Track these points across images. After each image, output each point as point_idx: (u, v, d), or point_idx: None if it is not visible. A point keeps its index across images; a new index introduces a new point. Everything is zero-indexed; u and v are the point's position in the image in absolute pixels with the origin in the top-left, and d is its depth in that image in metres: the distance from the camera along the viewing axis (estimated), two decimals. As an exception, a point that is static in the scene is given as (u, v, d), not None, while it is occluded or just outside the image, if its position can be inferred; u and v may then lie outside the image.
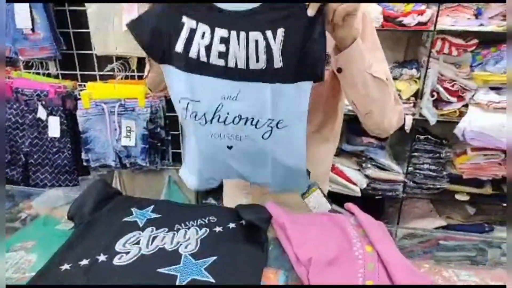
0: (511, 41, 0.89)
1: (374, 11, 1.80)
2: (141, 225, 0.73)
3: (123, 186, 2.21)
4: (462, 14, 1.79)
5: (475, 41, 1.85)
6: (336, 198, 2.08)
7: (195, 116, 0.77)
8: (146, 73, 0.96)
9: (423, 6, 1.81)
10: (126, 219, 0.75)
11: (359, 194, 2.03)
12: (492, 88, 1.91)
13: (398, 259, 0.66)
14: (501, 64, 1.84)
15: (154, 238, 0.69)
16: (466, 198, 2.10)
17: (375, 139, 2.06)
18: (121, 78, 1.97)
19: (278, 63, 0.70)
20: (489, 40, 1.89)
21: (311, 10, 0.68)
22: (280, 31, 0.69)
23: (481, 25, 1.78)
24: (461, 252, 0.84)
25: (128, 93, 1.88)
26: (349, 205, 0.84)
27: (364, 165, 2.05)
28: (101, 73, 1.99)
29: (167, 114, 1.98)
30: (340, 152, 2.10)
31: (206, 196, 2.24)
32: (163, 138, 2.01)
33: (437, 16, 1.75)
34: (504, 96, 1.88)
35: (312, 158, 0.86)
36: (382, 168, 2.06)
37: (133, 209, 0.78)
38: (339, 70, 0.80)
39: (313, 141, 0.94)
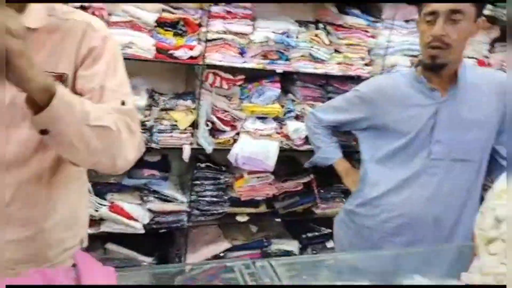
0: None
1: (146, 43, 1.75)
2: None
3: None
4: (228, 51, 1.93)
5: (242, 76, 2.03)
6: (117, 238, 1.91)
7: None
8: None
9: (194, 42, 1.87)
10: None
11: (143, 231, 1.92)
12: (258, 118, 2.13)
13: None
14: (263, 97, 2.06)
15: None
16: (246, 218, 2.27)
17: (157, 171, 2.00)
18: None
19: None
20: (253, 76, 2.10)
21: None
22: None
23: (245, 62, 1.96)
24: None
25: None
26: (77, 255, 0.71)
27: (145, 198, 1.95)
28: None
29: None
30: (121, 188, 1.94)
31: None
32: None
33: (205, 52, 1.83)
34: (268, 124, 2.11)
35: None
36: (166, 200, 2.00)
37: None
38: (44, 132, 0.65)
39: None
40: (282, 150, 2.11)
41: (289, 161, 2.39)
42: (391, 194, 1.29)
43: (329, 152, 1.52)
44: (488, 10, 2.23)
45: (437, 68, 1.20)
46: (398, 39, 2.18)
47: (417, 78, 1.26)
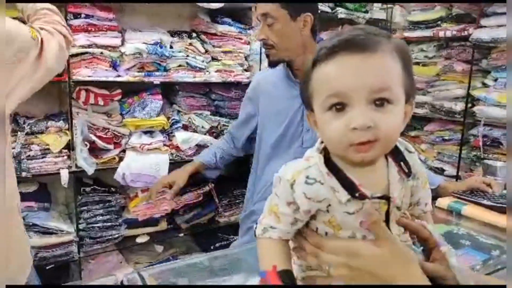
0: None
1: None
2: None
3: None
4: (99, 65, 1.86)
5: (119, 91, 1.97)
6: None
7: None
8: None
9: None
10: None
11: (22, 271, 1.71)
12: (144, 132, 2.07)
13: None
14: (145, 110, 2.02)
15: None
16: (147, 238, 2.17)
17: (34, 202, 1.82)
18: None
19: None
20: (132, 90, 2.06)
21: None
22: None
23: (119, 76, 1.91)
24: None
25: None
26: None
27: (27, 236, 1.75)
28: None
29: None
30: (-11, 227, 1.71)
31: None
32: None
33: (69, 67, 1.74)
34: (156, 137, 2.06)
35: None
36: (49, 232, 1.82)
37: None
38: None
39: None
40: (173, 163, 2.07)
41: (186, 173, 2.36)
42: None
43: None
44: (344, 14, 2.50)
45: (273, 65, 1.33)
46: (271, 43, 2.32)
47: (285, 72, 1.35)
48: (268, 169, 1.38)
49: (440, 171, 2.75)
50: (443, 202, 1.48)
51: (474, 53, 2.40)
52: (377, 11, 2.76)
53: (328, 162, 0.62)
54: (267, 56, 1.33)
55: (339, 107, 0.56)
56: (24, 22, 1.67)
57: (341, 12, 2.42)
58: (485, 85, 2.45)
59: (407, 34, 2.77)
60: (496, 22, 2.26)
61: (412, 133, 2.94)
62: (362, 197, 0.60)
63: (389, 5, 2.78)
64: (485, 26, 2.27)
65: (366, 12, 2.62)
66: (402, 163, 0.64)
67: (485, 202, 1.41)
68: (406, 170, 0.63)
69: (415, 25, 2.74)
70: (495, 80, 2.38)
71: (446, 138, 2.72)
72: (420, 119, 2.84)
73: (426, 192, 0.69)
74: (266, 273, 0.62)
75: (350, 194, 0.60)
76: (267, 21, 1.26)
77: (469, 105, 2.48)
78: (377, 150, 0.57)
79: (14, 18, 1.63)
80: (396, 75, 0.58)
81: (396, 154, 0.64)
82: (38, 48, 1.08)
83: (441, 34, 2.50)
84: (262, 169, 1.42)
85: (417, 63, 2.80)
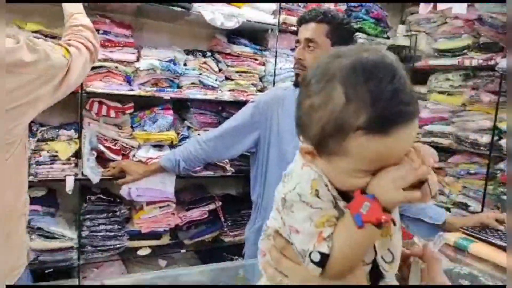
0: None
1: None
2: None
3: None
4: (114, 79, 1.94)
5: (131, 104, 2.03)
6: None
7: None
8: None
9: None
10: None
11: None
12: (154, 146, 2.11)
13: None
14: (156, 124, 2.07)
15: None
16: (148, 251, 2.16)
17: (40, 206, 1.88)
18: None
19: None
20: (145, 104, 2.11)
21: None
22: None
23: (131, 90, 1.97)
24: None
25: None
26: None
27: (28, 238, 1.80)
28: None
29: None
30: None
31: None
32: None
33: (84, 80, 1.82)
34: (165, 151, 2.09)
35: None
36: (52, 237, 1.87)
37: None
38: None
39: None
40: (181, 177, 2.08)
41: (193, 189, 2.37)
42: None
43: None
44: (364, 39, 2.46)
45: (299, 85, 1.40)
46: (286, 65, 2.32)
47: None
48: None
49: (464, 207, 2.58)
50: (450, 238, 1.37)
51: (502, 83, 2.27)
52: (401, 38, 2.69)
53: None
54: (297, 75, 1.45)
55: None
56: (46, 36, 1.79)
57: (360, 38, 2.39)
58: (513, 117, 2.30)
59: (432, 62, 2.67)
60: (525, 51, 2.14)
61: (436, 165, 2.79)
62: None
63: (413, 32, 2.72)
64: None
65: (388, 38, 2.56)
66: None
67: (495, 240, 1.29)
68: None
69: (441, 53, 2.65)
70: (524, 112, 2.22)
71: (472, 171, 2.56)
72: (445, 150, 2.70)
73: None
74: (358, 213, 0.51)
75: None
76: (309, 45, 1.39)
77: (496, 137, 2.33)
78: None
79: (35, 31, 1.76)
80: None
81: None
82: (67, 67, 1.17)
83: (467, 62, 2.40)
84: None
85: (442, 92, 2.69)
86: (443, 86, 2.66)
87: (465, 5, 2.13)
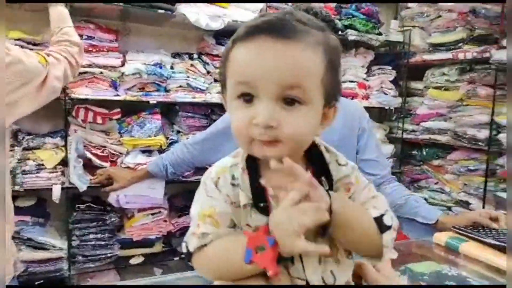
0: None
1: None
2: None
3: None
4: (99, 85, 1.91)
5: (118, 110, 2.00)
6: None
7: None
8: None
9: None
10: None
11: (13, 282, 1.72)
12: (143, 151, 2.08)
13: None
14: (143, 130, 2.03)
15: None
16: (141, 259, 2.13)
17: (29, 216, 1.85)
18: None
19: None
20: (132, 110, 2.08)
21: None
22: None
23: (117, 95, 1.94)
24: None
25: None
26: None
27: (15, 248, 1.77)
28: None
29: None
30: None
31: None
32: None
33: (67, 86, 1.80)
34: (154, 156, 2.06)
35: None
36: (40, 247, 1.84)
37: None
38: None
39: None
40: (169, 183, 2.04)
41: (186, 194, 2.33)
42: None
43: None
44: (355, 36, 2.41)
45: None
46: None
47: None
48: None
49: (465, 205, 2.51)
50: (441, 237, 1.31)
51: (498, 76, 2.21)
52: (394, 34, 2.64)
53: (252, 158, 0.55)
54: None
55: (248, 98, 0.50)
56: (28, 43, 1.78)
57: (351, 34, 2.34)
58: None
59: (426, 56, 2.62)
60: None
61: (435, 162, 2.73)
62: (266, 211, 0.52)
63: (407, 27, 2.66)
64: (505, 47, 2.09)
65: (380, 34, 2.52)
66: (323, 178, 0.55)
67: (487, 239, 1.23)
68: (326, 187, 0.54)
69: (435, 47, 2.59)
70: (522, 105, 2.16)
71: (472, 168, 2.50)
72: (443, 147, 2.64)
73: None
74: (252, 250, 0.49)
75: (254, 201, 0.52)
76: None
77: (494, 132, 2.27)
78: (281, 150, 0.50)
79: (17, 39, 1.74)
80: (315, 73, 0.50)
81: (318, 166, 0.56)
82: (45, 73, 1.24)
83: (461, 56, 2.34)
84: None
85: (439, 87, 2.63)
86: (439, 81, 2.60)
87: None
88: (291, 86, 0.49)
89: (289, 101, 0.49)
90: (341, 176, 0.57)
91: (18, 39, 1.73)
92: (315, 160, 0.57)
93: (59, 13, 1.43)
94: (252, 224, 0.53)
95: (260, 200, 0.52)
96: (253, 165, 0.54)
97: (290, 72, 0.48)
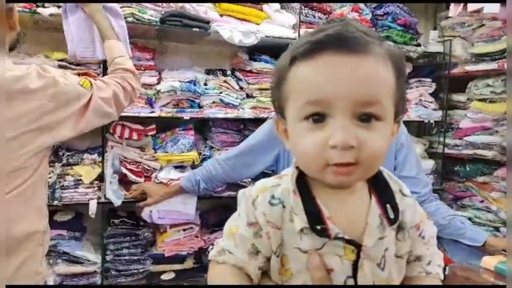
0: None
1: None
2: None
3: None
4: (136, 102, 1.94)
5: (153, 126, 2.03)
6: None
7: None
8: None
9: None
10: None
11: (46, 297, 1.77)
12: (176, 167, 2.09)
13: None
14: (177, 145, 2.05)
15: None
16: (172, 276, 2.12)
17: (66, 230, 1.90)
18: None
19: None
20: (166, 126, 2.11)
21: None
22: None
23: (152, 112, 1.98)
24: None
25: None
26: None
27: (52, 261, 1.83)
28: None
29: None
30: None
31: None
32: None
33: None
34: (187, 172, 2.07)
35: None
36: (76, 261, 1.88)
37: None
38: None
39: None
40: (201, 198, 2.03)
41: (218, 210, 2.31)
42: None
43: None
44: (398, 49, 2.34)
45: None
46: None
47: None
48: None
49: (514, 226, 2.33)
50: (490, 261, 1.22)
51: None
52: (434, 44, 2.54)
53: (301, 179, 0.52)
54: None
55: (318, 117, 0.47)
56: (71, 63, 1.84)
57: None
58: None
59: (468, 67, 2.49)
60: None
61: (480, 179, 2.56)
62: (324, 233, 0.48)
63: (447, 37, 2.55)
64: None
65: (419, 45, 2.42)
66: (388, 206, 0.51)
67: (544, 266, 1.12)
68: (392, 216, 0.50)
69: (479, 57, 2.46)
70: None
71: (522, 185, 2.31)
72: (488, 163, 2.47)
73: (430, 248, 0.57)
74: None
75: (310, 224, 0.49)
76: None
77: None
78: (358, 174, 0.46)
79: (61, 59, 1.81)
80: (389, 87, 0.48)
81: (384, 193, 0.52)
82: (88, 96, 1.20)
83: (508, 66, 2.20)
84: None
85: (483, 99, 2.48)
86: (484, 93, 2.46)
87: (497, 4, 1.96)
88: (369, 102, 0.46)
89: (364, 119, 0.46)
90: (404, 209, 0.53)
91: (61, 60, 1.80)
92: (377, 187, 0.53)
93: (110, 45, 1.44)
94: (303, 247, 0.50)
95: (317, 223, 0.49)
96: (304, 187, 0.51)
97: (368, 87, 0.46)
